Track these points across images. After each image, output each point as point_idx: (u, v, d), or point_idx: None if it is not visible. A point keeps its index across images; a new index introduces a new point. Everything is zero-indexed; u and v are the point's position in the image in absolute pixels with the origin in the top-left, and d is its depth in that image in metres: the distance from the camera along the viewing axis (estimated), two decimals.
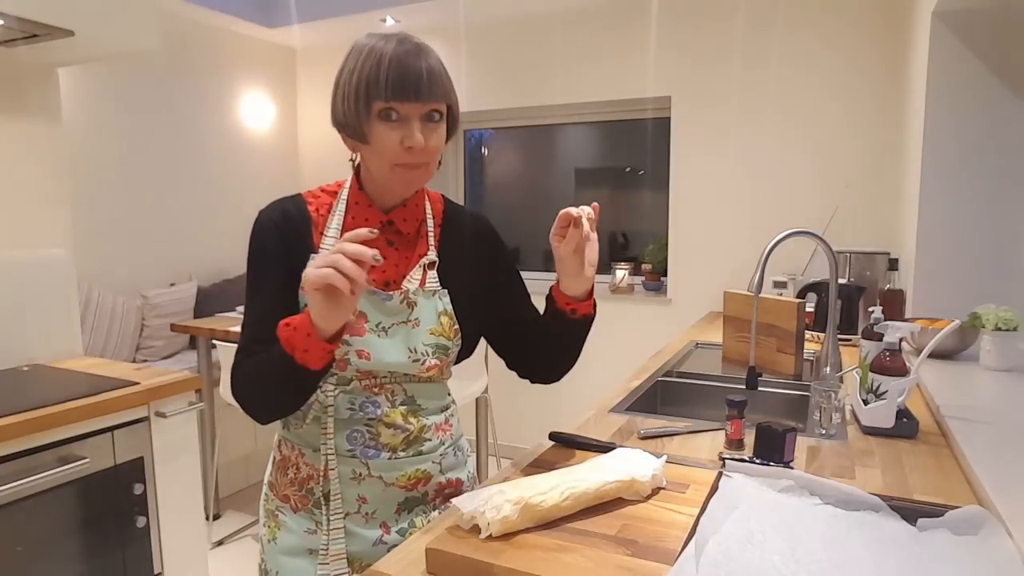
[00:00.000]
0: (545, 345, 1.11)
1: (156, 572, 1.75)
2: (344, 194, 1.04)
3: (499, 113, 3.82)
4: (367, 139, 0.95)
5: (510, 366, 1.18)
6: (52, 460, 1.51)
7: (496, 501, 0.86)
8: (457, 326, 1.05)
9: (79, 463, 1.54)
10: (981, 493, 0.99)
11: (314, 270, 0.80)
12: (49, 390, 1.64)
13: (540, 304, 1.11)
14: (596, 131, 3.86)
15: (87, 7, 1.66)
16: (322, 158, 4.33)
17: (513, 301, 1.15)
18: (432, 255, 1.06)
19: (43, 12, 1.57)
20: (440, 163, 1.07)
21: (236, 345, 1.00)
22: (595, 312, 1.07)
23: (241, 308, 3.23)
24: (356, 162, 1.04)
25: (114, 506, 1.64)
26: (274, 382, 0.92)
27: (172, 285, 3.54)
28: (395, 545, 1.00)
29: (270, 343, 0.90)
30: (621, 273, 3.54)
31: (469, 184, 4.16)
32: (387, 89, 0.91)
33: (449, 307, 1.05)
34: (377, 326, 0.99)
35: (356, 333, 0.97)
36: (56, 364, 1.94)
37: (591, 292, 1.05)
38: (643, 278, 3.57)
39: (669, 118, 3.31)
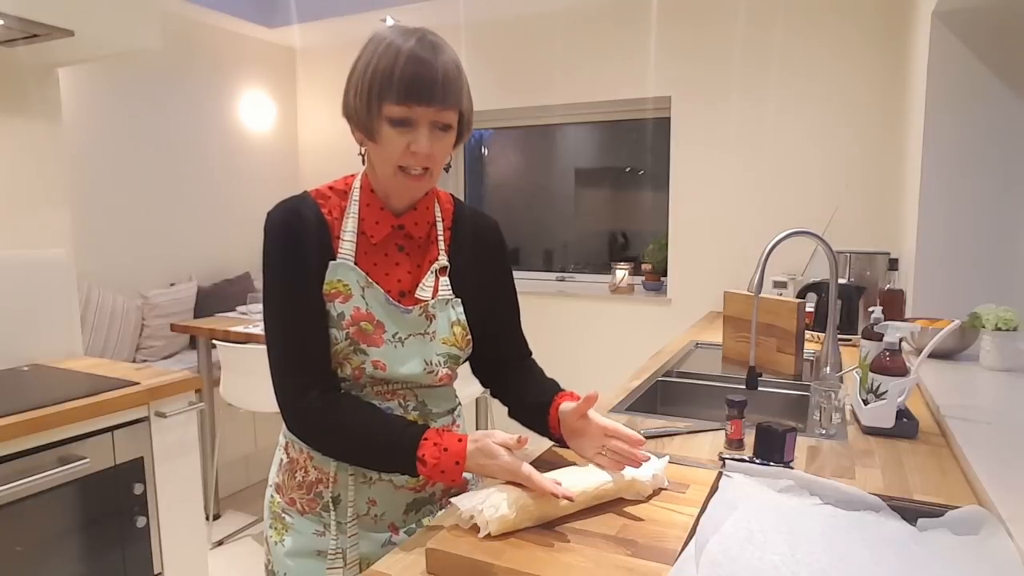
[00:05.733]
0: (513, 404, 1.17)
1: (156, 572, 1.75)
2: (355, 194, 1.01)
3: (499, 113, 3.81)
4: (375, 137, 0.93)
5: (474, 372, 1.20)
6: (52, 460, 1.51)
7: (495, 500, 0.86)
8: (469, 336, 1.05)
9: (79, 463, 1.54)
10: (981, 493, 0.99)
11: (519, 471, 0.90)
12: (49, 390, 1.64)
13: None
14: (596, 131, 3.85)
15: (87, 7, 1.65)
16: (322, 158, 4.31)
17: (496, 337, 1.13)
18: (443, 260, 1.04)
19: (43, 12, 1.57)
20: (450, 166, 1.05)
21: (273, 357, 0.97)
22: None
23: (241, 308, 3.24)
24: (364, 154, 1.02)
25: (114, 506, 1.64)
26: (375, 460, 0.97)
27: (172, 285, 3.53)
28: None
29: (321, 365, 0.95)
30: (621, 273, 3.53)
31: (469, 184, 4.15)
32: (400, 90, 0.88)
33: (462, 317, 1.03)
34: (394, 336, 0.98)
35: (373, 343, 0.96)
36: (56, 364, 1.94)
37: None
38: (643, 278, 3.56)
39: (669, 118, 3.31)
